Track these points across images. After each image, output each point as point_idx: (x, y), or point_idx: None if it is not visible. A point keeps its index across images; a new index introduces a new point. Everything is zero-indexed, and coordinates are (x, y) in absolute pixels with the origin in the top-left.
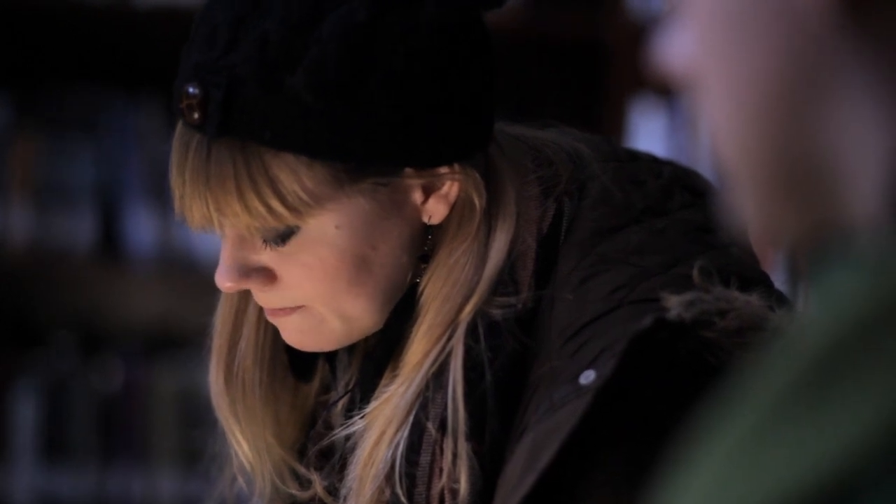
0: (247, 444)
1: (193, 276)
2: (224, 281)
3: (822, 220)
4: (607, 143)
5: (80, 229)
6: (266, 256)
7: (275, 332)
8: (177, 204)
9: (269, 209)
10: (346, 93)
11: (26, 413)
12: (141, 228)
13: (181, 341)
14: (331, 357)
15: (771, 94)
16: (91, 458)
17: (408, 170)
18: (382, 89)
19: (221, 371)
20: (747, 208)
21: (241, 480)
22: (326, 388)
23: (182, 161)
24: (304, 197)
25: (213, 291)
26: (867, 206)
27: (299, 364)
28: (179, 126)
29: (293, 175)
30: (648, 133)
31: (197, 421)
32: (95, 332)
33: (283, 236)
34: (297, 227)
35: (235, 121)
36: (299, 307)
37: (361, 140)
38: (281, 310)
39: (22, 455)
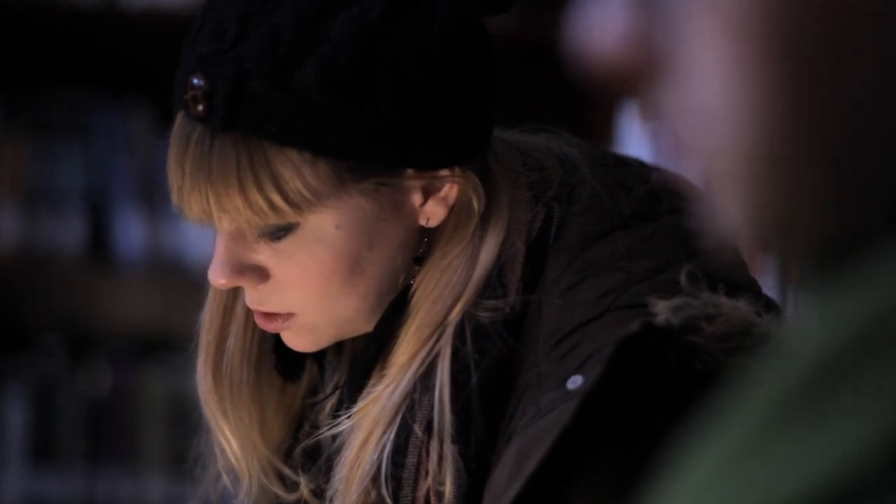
0: (235, 441)
1: (182, 279)
2: (217, 277)
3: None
4: (595, 148)
5: (69, 232)
6: (261, 255)
7: (262, 331)
8: (174, 196)
9: (271, 204)
10: (355, 91)
11: (15, 416)
12: (130, 232)
13: (170, 345)
14: (319, 357)
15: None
16: (79, 461)
17: (409, 170)
18: (390, 89)
19: (209, 368)
20: (739, 207)
21: (225, 479)
22: (314, 391)
23: (182, 153)
24: (306, 193)
25: (202, 295)
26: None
27: (286, 364)
28: (180, 117)
29: (296, 171)
30: (636, 138)
31: (185, 424)
32: (84, 335)
33: (281, 232)
34: (297, 224)
35: (241, 114)
36: (289, 318)
37: (366, 139)
38: (273, 320)
39: (10, 458)
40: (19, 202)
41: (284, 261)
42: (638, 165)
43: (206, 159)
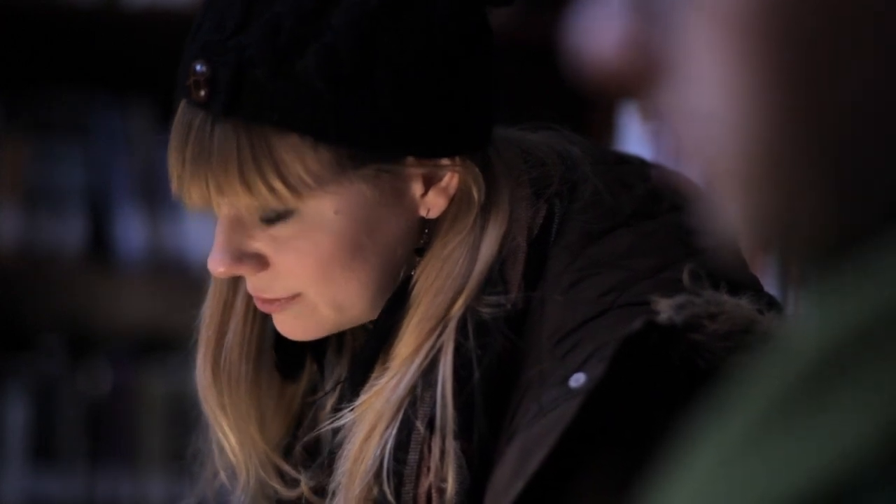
0: (234, 436)
1: (183, 279)
2: (217, 265)
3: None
4: (595, 146)
5: (69, 232)
6: (261, 243)
7: (262, 327)
8: (174, 184)
9: (271, 189)
10: (356, 78)
11: (15, 416)
12: (130, 231)
13: (170, 344)
14: (319, 357)
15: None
16: (80, 461)
17: (410, 158)
18: (391, 76)
19: (209, 363)
20: (739, 207)
21: (223, 475)
22: (313, 390)
23: (183, 139)
24: (307, 179)
25: (203, 294)
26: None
27: (286, 363)
28: (182, 105)
29: (297, 156)
30: (636, 138)
31: (185, 424)
32: (84, 335)
33: (280, 218)
34: (296, 210)
35: (243, 101)
36: (292, 298)
37: (367, 125)
38: (274, 302)
39: (10, 458)
40: (19, 202)
41: (283, 247)
42: (638, 163)
43: (207, 144)
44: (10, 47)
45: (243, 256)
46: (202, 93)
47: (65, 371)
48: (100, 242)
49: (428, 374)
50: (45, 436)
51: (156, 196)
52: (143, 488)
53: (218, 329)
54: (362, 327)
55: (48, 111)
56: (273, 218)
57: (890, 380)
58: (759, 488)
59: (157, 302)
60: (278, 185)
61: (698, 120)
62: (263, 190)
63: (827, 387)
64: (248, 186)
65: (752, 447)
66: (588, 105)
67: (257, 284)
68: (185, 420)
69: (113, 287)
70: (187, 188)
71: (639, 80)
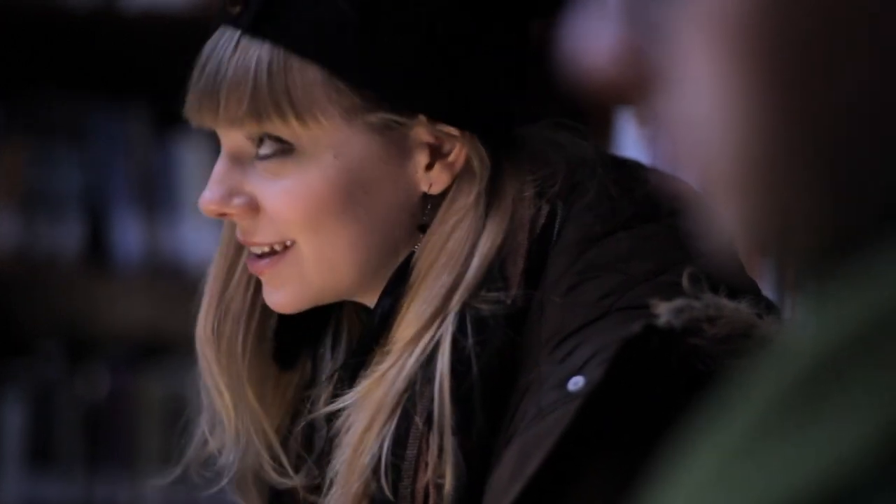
0: (229, 395)
1: (180, 283)
2: (207, 203)
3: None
4: (594, 149)
5: (67, 236)
6: (253, 186)
7: (265, 307)
8: (188, 102)
9: (278, 107)
10: (385, 13)
11: (13, 420)
12: (128, 235)
13: (168, 348)
14: (313, 351)
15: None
16: (77, 465)
17: (422, 116)
18: (421, 21)
19: (210, 321)
20: (735, 211)
21: (210, 441)
22: (309, 384)
23: (206, 56)
24: (315, 110)
25: (200, 298)
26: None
27: (284, 352)
28: (214, 34)
29: (311, 84)
30: (633, 142)
31: (183, 428)
32: (82, 339)
33: (278, 154)
34: (297, 145)
35: (272, 15)
36: (282, 253)
37: (385, 68)
38: (264, 258)
39: (9, 462)
40: (17, 205)
41: (276, 187)
42: (635, 167)
43: (227, 58)
44: (8, 50)
45: (234, 195)
46: (237, 8)
47: (63, 375)
48: (97, 246)
49: (426, 368)
50: (43, 440)
51: (154, 200)
52: (140, 492)
53: (222, 287)
54: (358, 318)
55: (46, 114)
56: (271, 154)
57: (887, 382)
58: (757, 492)
59: (155, 306)
60: (286, 105)
61: (693, 124)
62: (270, 107)
63: (824, 391)
64: (255, 105)
65: (749, 451)
66: (584, 110)
67: (247, 227)
68: (182, 424)
69: (111, 291)
70: (197, 106)
71: (634, 86)
